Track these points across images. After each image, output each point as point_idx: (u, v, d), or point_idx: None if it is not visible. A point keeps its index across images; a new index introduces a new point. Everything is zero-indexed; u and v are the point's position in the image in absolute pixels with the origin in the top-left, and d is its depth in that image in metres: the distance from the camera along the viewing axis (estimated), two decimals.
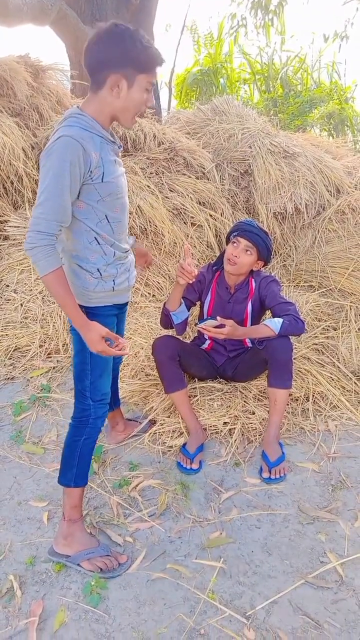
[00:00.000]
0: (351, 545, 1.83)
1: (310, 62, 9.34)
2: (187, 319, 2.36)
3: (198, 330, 2.54)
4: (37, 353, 3.12)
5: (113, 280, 1.70)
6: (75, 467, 1.75)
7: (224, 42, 9.29)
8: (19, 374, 3.00)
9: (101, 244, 1.63)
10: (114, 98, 1.52)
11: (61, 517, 1.82)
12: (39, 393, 2.78)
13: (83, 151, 1.45)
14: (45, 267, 1.47)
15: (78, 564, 1.74)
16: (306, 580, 1.70)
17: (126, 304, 1.90)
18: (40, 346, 3.14)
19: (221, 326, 2.10)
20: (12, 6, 3.26)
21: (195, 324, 2.46)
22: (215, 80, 9.18)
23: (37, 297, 3.27)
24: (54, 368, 3.03)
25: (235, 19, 8.01)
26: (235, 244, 2.24)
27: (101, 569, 1.72)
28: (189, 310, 2.38)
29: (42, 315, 3.21)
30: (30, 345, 3.15)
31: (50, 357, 3.12)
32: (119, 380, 2.23)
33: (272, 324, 2.13)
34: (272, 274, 2.51)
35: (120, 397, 2.36)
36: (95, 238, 1.62)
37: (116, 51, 1.46)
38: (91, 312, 1.68)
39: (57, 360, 3.09)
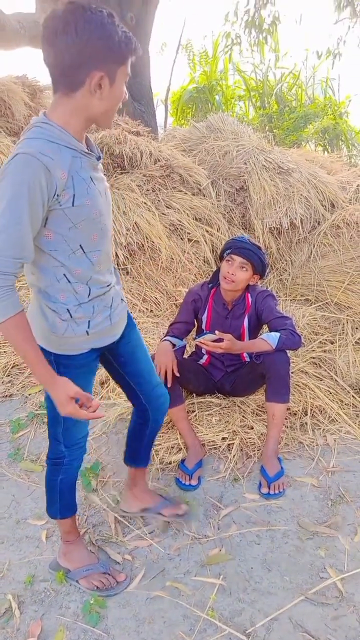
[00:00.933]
0: (351, 560, 1.82)
1: (305, 79, 9.49)
2: (184, 345, 2.40)
3: (196, 346, 2.56)
4: None
5: (87, 322, 1.42)
6: (57, 502, 1.70)
7: (219, 60, 9.45)
8: (17, 391, 3.00)
9: (72, 282, 1.36)
10: (95, 99, 1.24)
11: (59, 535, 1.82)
12: (37, 410, 2.78)
13: (46, 170, 1.17)
14: (0, 313, 1.20)
15: (77, 581, 1.74)
16: (306, 596, 1.69)
17: (129, 332, 1.64)
18: None
19: (219, 340, 2.12)
20: (10, 29, 3.33)
21: (194, 339, 2.47)
22: (211, 97, 9.31)
23: None
24: None
25: (229, 38, 8.13)
26: (229, 262, 2.26)
27: (97, 588, 1.71)
28: (184, 338, 2.41)
29: None
30: None
31: None
32: (155, 439, 1.94)
33: (269, 339, 2.14)
34: (269, 289, 2.53)
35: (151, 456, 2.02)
36: (65, 275, 1.34)
37: (96, 43, 1.17)
38: (62, 362, 1.43)
39: None
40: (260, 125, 8.49)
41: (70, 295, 1.37)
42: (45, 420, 2.69)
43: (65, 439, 1.60)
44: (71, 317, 1.39)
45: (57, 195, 1.23)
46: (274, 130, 8.20)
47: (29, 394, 2.94)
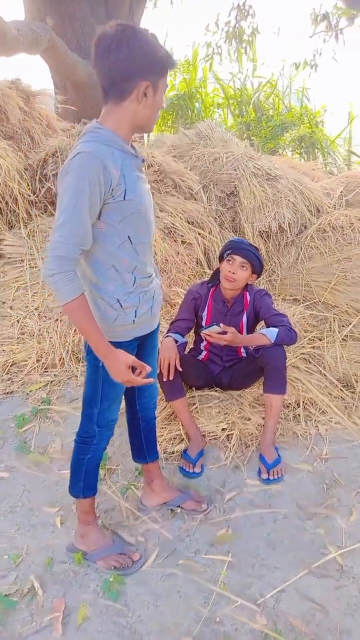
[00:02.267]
0: (348, 537, 1.97)
1: (282, 88, 9.75)
2: (185, 342, 2.53)
3: (194, 342, 2.69)
4: (34, 367, 3.19)
5: (134, 312, 1.58)
6: (82, 481, 1.80)
7: (199, 68, 9.65)
8: (17, 388, 3.07)
9: (119, 271, 1.52)
10: (142, 107, 1.43)
11: (76, 519, 1.91)
12: (39, 405, 2.86)
13: (103, 168, 1.35)
14: (66, 295, 1.37)
15: (95, 562, 1.84)
16: (309, 570, 1.83)
17: (153, 331, 1.78)
18: (37, 361, 3.21)
19: (223, 333, 2.26)
20: (10, 37, 3.42)
21: (195, 333, 2.61)
22: (191, 104, 9.49)
23: (34, 314, 3.35)
24: (51, 382, 3.11)
25: (210, 47, 8.33)
26: (230, 262, 2.40)
27: (115, 567, 1.81)
28: (185, 335, 2.53)
29: (39, 330, 3.30)
30: (27, 360, 3.22)
31: (47, 372, 3.20)
32: (156, 430, 2.07)
33: (268, 333, 2.29)
34: (264, 289, 2.67)
35: (158, 450, 2.12)
36: (113, 265, 1.50)
37: (143, 57, 1.36)
38: None
39: (54, 375, 3.17)
40: (239, 132, 8.70)
41: (118, 285, 1.53)
42: (49, 415, 2.79)
43: (99, 419, 1.71)
44: (121, 306, 1.55)
45: (112, 190, 1.39)
46: (252, 138, 8.42)
47: (30, 391, 3.01)
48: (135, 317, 1.59)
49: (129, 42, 1.34)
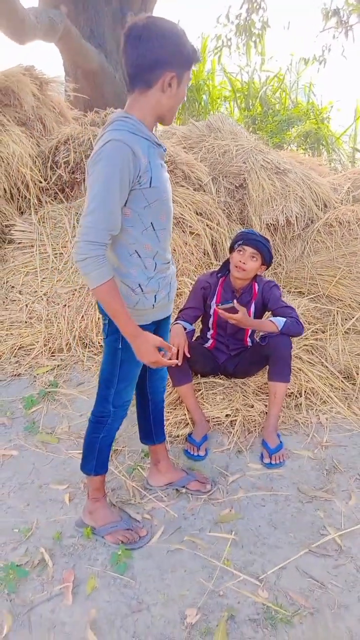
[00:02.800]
0: (347, 520, 2.04)
1: (289, 83, 9.76)
2: (193, 330, 2.59)
3: (201, 330, 2.75)
4: (42, 351, 3.26)
5: (154, 296, 1.63)
6: (94, 460, 1.86)
7: (207, 60, 9.65)
8: (25, 371, 3.13)
9: (142, 257, 1.57)
10: (166, 97, 1.46)
11: (84, 497, 1.98)
12: (47, 388, 2.92)
13: (133, 155, 1.39)
14: (97, 278, 1.42)
15: (103, 537, 1.91)
16: (309, 549, 1.90)
17: (167, 317, 1.84)
18: (45, 345, 3.28)
19: (234, 312, 2.33)
20: (28, 25, 3.44)
21: (203, 322, 2.68)
22: (198, 96, 9.50)
23: (42, 299, 3.41)
24: (58, 366, 3.17)
25: (220, 39, 8.33)
26: (241, 252, 2.45)
27: (122, 542, 1.88)
28: (193, 323, 2.60)
29: (47, 315, 3.35)
30: (34, 344, 3.29)
31: (54, 356, 3.26)
32: (164, 412, 2.12)
33: (277, 321, 2.35)
34: (273, 280, 2.72)
35: (165, 432, 2.17)
36: (136, 251, 1.55)
37: (171, 48, 1.40)
38: None
39: (61, 359, 3.23)
40: (245, 126, 8.72)
41: (140, 270, 1.58)
42: (57, 397, 2.86)
43: (115, 399, 1.77)
44: (142, 291, 1.60)
45: (140, 177, 1.44)
46: (258, 132, 8.45)
47: (37, 374, 3.07)
48: (155, 301, 1.64)
49: (159, 33, 1.39)
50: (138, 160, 1.41)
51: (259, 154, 3.83)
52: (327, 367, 3.02)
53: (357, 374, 2.95)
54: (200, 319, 2.71)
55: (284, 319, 2.36)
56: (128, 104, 1.50)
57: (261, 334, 2.54)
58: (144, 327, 1.62)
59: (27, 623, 1.62)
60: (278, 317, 2.38)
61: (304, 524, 2.02)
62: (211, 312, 2.62)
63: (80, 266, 1.42)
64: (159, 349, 1.61)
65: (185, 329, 2.49)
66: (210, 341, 2.70)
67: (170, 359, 1.65)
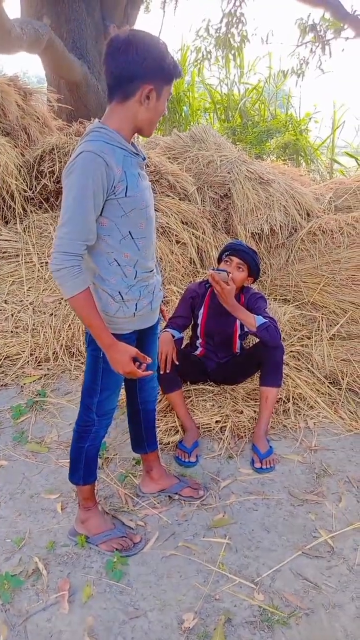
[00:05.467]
0: (338, 522, 2.08)
1: (267, 95, 9.95)
2: (182, 338, 2.59)
3: (191, 338, 2.77)
4: (28, 361, 3.24)
5: (135, 305, 1.63)
6: (82, 469, 1.85)
7: (187, 72, 9.77)
8: (12, 381, 3.11)
9: (121, 265, 1.56)
10: (143, 109, 1.47)
11: (76, 505, 1.97)
12: (35, 397, 2.90)
13: (106, 166, 1.40)
14: (72, 288, 1.43)
15: (97, 545, 1.90)
16: (302, 551, 1.92)
17: (154, 326, 1.84)
18: (31, 354, 3.26)
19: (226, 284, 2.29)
20: (14, 35, 3.46)
21: (192, 330, 2.69)
22: (179, 107, 9.61)
23: (28, 308, 3.40)
24: (45, 375, 3.16)
25: (200, 52, 8.46)
26: (228, 262, 2.48)
27: (117, 549, 1.88)
28: (182, 331, 2.60)
29: (33, 325, 3.34)
30: (21, 354, 3.27)
31: (41, 365, 3.24)
32: (155, 421, 2.13)
33: (257, 319, 2.32)
34: (261, 292, 2.75)
35: (157, 440, 2.17)
36: (115, 259, 1.55)
37: (151, 62, 1.42)
38: None
39: (48, 368, 3.22)
40: (225, 137, 8.83)
41: (119, 279, 1.59)
42: (45, 407, 2.85)
43: (98, 408, 1.76)
44: (122, 299, 1.60)
45: (114, 187, 1.45)
46: (237, 143, 8.58)
47: (24, 384, 3.05)
48: (136, 310, 1.64)
49: (139, 46, 1.40)
50: (111, 171, 1.42)
51: (243, 165, 3.90)
52: (313, 372, 3.07)
53: (343, 379, 3.01)
54: (190, 327, 2.73)
55: (265, 320, 2.34)
56: (106, 114, 1.52)
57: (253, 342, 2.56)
58: (124, 337, 1.64)
59: (24, 633, 1.61)
60: (259, 316, 2.36)
61: (296, 527, 2.05)
62: (199, 321, 2.64)
63: (56, 277, 1.43)
64: (135, 360, 1.60)
65: (173, 336, 2.51)
66: (200, 349, 2.73)
67: (144, 371, 1.63)
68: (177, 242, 3.54)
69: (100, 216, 1.48)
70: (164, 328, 2.58)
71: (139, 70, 1.42)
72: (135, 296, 1.63)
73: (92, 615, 1.66)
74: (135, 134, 1.58)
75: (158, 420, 2.61)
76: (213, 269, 2.33)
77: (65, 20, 5.03)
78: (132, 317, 1.65)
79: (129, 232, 1.53)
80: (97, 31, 5.26)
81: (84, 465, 1.85)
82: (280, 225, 3.70)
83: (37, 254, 3.58)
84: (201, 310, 2.63)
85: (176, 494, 2.17)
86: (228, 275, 2.30)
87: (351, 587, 1.78)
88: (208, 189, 3.82)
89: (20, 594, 1.74)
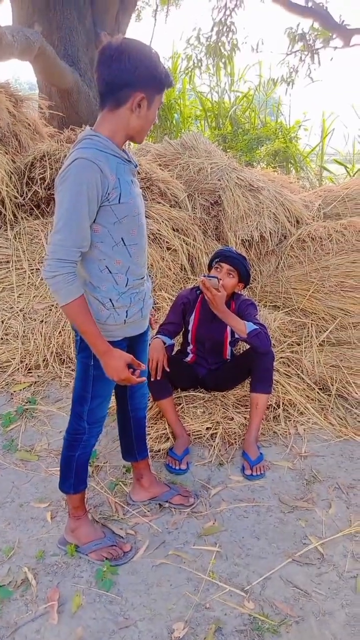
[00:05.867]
0: (328, 528, 2.08)
1: (257, 103, 10.03)
2: (172, 346, 2.58)
3: (182, 345, 2.78)
4: (18, 368, 3.22)
5: (125, 312, 1.63)
6: (72, 478, 1.84)
7: (178, 80, 9.84)
8: (1, 388, 3.09)
9: (113, 273, 1.57)
10: (134, 117, 1.48)
11: (66, 514, 1.96)
12: (25, 405, 2.89)
13: (100, 173, 1.41)
14: (66, 295, 1.43)
15: (87, 554, 1.89)
16: (293, 558, 1.93)
17: (143, 333, 1.84)
18: (21, 361, 3.24)
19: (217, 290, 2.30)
20: (5, 43, 3.47)
21: (183, 336, 2.69)
22: (170, 115, 9.66)
23: (19, 315, 3.38)
24: (35, 382, 3.14)
25: (191, 60, 8.52)
26: (218, 269, 2.49)
27: (107, 558, 1.86)
28: (173, 338, 2.60)
29: (23, 332, 3.33)
30: (10, 361, 3.25)
31: (31, 372, 3.23)
32: (145, 429, 2.12)
33: (247, 325, 2.33)
34: (252, 298, 2.75)
35: (147, 448, 2.15)
36: (107, 266, 1.55)
37: (143, 70, 1.43)
38: None
39: (38, 375, 3.20)
40: (216, 144, 8.88)
41: (111, 286, 1.59)
42: (35, 414, 2.83)
43: (89, 417, 1.76)
44: (113, 306, 1.60)
45: (108, 194, 1.46)
46: (228, 151, 8.63)
47: (14, 391, 3.04)
48: (127, 317, 1.64)
49: (132, 55, 1.41)
50: (106, 178, 1.43)
51: (233, 172, 3.93)
52: (303, 378, 3.08)
53: (332, 385, 3.03)
54: (181, 334, 2.74)
55: (256, 327, 2.35)
56: (98, 122, 1.52)
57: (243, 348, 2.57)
58: (115, 344, 1.62)
59: None
60: (250, 322, 2.37)
61: (287, 534, 2.05)
62: (190, 327, 2.65)
63: (50, 284, 1.43)
64: (129, 367, 1.60)
65: (164, 343, 2.52)
66: (190, 355, 2.73)
67: (138, 377, 1.63)
68: (168, 248, 3.55)
69: (93, 223, 1.48)
70: (155, 334, 2.58)
71: (131, 78, 1.43)
72: (126, 303, 1.63)
73: (82, 625, 1.65)
74: (127, 142, 1.59)
75: (148, 427, 2.61)
76: (204, 276, 2.34)
77: (57, 27, 5.05)
78: (122, 324, 1.65)
79: (122, 238, 1.54)
80: (89, 39, 5.28)
81: (74, 474, 1.83)
82: (270, 232, 3.73)
83: (28, 260, 3.57)
84: (192, 317, 2.64)
85: (166, 501, 2.16)
86: (219, 282, 2.30)
87: (341, 594, 1.78)
88: (199, 196, 3.84)
89: (9, 605, 1.72)
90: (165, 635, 1.62)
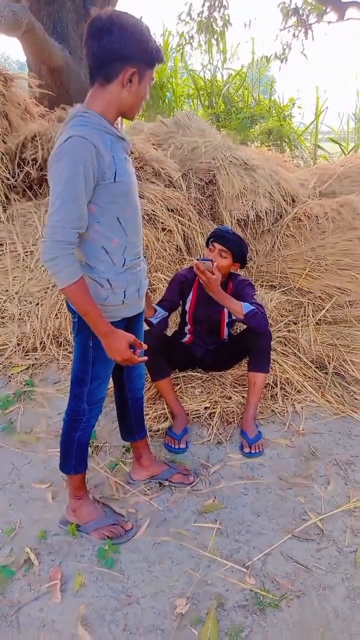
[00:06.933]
0: (327, 504, 2.10)
1: (251, 81, 9.87)
2: (166, 317, 2.54)
3: (179, 325, 2.77)
4: (15, 351, 3.21)
5: (123, 292, 1.61)
6: (73, 459, 1.84)
7: (170, 58, 9.65)
8: None
9: (109, 253, 1.54)
10: (125, 92, 1.44)
11: (67, 494, 1.96)
12: (23, 388, 2.88)
13: (95, 151, 1.37)
14: (67, 277, 1.40)
15: (88, 533, 1.90)
16: (293, 534, 1.95)
17: (139, 314, 1.83)
18: (18, 344, 3.23)
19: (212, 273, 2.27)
20: None
21: (181, 316, 2.68)
22: (162, 94, 9.49)
23: (14, 298, 3.36)
24: (32, 365, 3.13)
25: (183, 37, 8.36)
26: (211, 249, 2.46)
27: (108, 537, 1.88)
28: (169, 312, 2.57)
29: (19, 314, 3.31)
30: (7, 344, 3.23)
31: (28, 355, 3.21)
32: (144, 408, 2.13)
33: (244, 306, 2.32)
34: (249, 278, 2.73)
35: (146, 427, 2.16)
36: (104, 247, 1.53)
37: (134, 44, 1.38)
38: None
39: (35, 358, 3.19)
40: (209, 123, 8.75)
41: (108, 266, 1.56)
42: (33, 396, 2.82)
43: (89, 398, 1.75)
44: (111, 286, 1.58)
45: (104, 172, 1.42)
46: (222, 129, 8.51)
47: (12, 374, 3.02)
48: (125, 297, 1.62)
49: (122, 27, 1.36)
50: (101, 156, 1.39)
51: (228, 151, 3.87)
52: (300, 357, 3.09)
53: (329, 363, 3.03)
54: (178, 313, 2.72)
55: (252, 307, 2.33)
56: (88, 98, 1.47)
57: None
58: (114, 324, 1.60)
59: (16, 624, 1.61)
60: (246, 303, 2.35)
61: (286, 510, 2.06)
62: (187, 307, 2.63)
63: (49, 266, 1.39)
64: (130, 347, 1.59)
65: (155, 310, 2.45)
66: (188, 336, 2.72)
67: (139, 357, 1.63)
68: (163, 229, 3.52)
69: (89, 203, 1.44)
70: None
71: (121, 51, 1.38)
72: (124, 284, 1.61)
73: (85, 603, 1.66)
74: (119, 118, 1.54)
75: (147, 407, 2.61)
76: (198, 259, 2.32)
77: (45, 2, 4.92)
78: (120, 305, 1.63)
79: (117, 218, 1.51)
80: (78, 15, 5.15)
81: (75, 455, 1.84)
82: (266, 212, 3.69)
83: (22, 242, 3.53)
84: (190, 297, 2.61)
85: (166, 480, 2.17)
86: (213, 264, 2.28)
87: (341, 568, 1.80)
88: (193, 176, 3.79)
89: (12, 585, 1.73)
90: (168, 611, 1.64)
